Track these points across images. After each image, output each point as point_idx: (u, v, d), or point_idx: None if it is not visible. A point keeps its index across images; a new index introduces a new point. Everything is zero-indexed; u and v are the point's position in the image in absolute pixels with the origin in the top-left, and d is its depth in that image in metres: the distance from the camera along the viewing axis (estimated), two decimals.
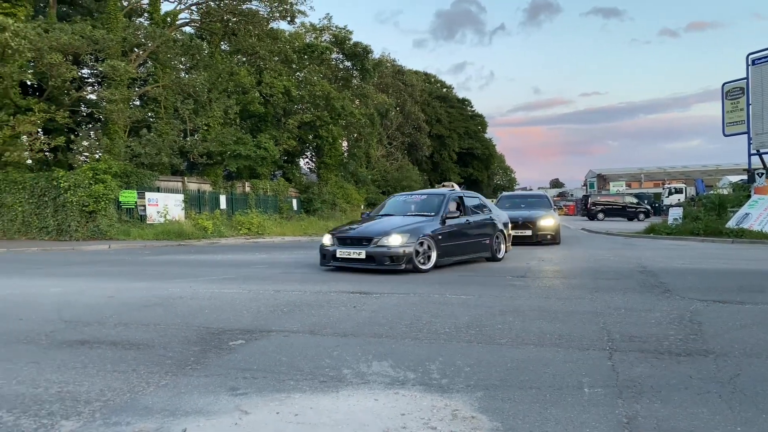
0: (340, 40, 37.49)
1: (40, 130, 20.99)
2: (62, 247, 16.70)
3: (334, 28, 38.07)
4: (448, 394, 3.20)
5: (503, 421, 2.78)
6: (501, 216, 12.24)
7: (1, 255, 14.56)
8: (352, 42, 37.73)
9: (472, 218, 11.09)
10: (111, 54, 21.13)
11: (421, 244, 9.45)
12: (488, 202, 12.60)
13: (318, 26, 37.96)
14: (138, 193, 20.93)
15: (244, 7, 27.14)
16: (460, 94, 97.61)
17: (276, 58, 29.76)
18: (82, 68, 24.17)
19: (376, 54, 41.95)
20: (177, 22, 27.49)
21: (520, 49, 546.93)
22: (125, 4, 25.22)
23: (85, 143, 22.84)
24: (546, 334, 4.64)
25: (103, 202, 19.18)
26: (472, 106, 71.44)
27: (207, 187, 25.98)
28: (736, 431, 2.65)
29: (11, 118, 19.19)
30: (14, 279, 9.21)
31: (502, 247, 11.69)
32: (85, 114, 25.25)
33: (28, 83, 22.23)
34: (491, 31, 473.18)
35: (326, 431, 2.70)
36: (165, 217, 21.29)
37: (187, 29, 28.52)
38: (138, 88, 24.15)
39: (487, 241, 11.21)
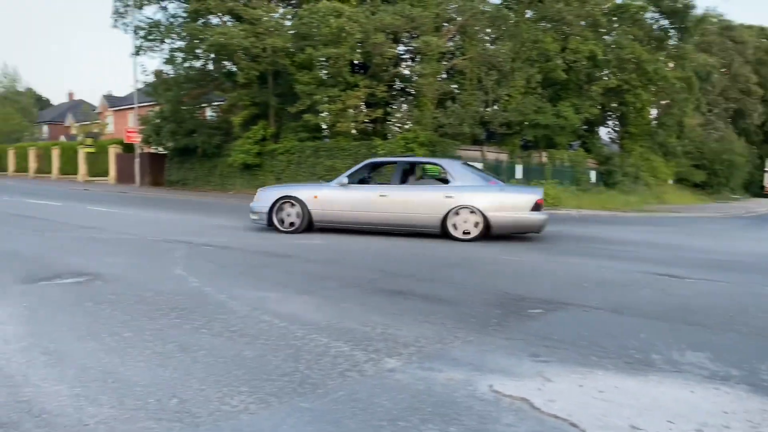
0: None
1: (363, 103, 23.83)
2: None
3: None
4: None
5: None
6: None
7: None
8: None
9: None
10: (425, 30, 22.71)
11: None
12: None
13: None
14: None
15: None
16: None
17: (583, 23, 28.40)
18: (398, 45, 26.50)
19: (699, 9, 36.98)
20: None
21: None
22: None
23: (398, 115, 25.27)
24: None
25: None
26: None
27: (504, 157, 26.44)
28: None
29: (342, 93, 22.22)
30: (347, 234, 10.75)
31: None
32: (399, 88, 27.77)
33: (356, 62, 25.29)
34: None
35: (632, 413, 2.59)
36: None
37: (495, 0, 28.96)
38: (446, 61, 25.54)
39: None
